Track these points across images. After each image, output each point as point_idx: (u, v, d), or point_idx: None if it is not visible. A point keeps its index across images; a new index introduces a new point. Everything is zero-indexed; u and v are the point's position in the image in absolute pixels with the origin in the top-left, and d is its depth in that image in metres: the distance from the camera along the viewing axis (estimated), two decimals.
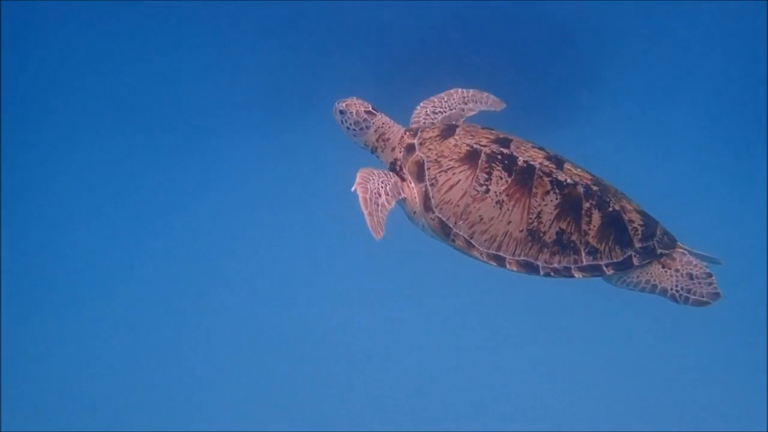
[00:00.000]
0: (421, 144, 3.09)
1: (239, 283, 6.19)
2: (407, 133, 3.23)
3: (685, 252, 3.06)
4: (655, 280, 2.99)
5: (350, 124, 3.22)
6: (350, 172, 3.67)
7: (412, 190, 3.05)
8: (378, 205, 2.90)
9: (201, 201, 6.79)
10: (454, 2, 6.21)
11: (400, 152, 3.16)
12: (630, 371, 5.29)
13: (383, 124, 3.23)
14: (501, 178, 2.90)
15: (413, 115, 3.43)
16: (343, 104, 3.25)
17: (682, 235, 3.21)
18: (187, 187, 6.90)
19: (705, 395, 5.06)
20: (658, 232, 3.03)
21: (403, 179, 3.09)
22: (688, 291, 2.95)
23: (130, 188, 6.92)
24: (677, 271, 2.99)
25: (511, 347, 5.50)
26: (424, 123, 3.38)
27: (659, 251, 2.99)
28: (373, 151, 3.27)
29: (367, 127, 3.20)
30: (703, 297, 2.94)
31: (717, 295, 2.95)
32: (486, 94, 3.55)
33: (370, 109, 3.26)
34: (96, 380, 5.62)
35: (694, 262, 3.01)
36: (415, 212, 3.07)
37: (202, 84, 7.48)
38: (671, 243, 3.06)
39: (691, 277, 2.97)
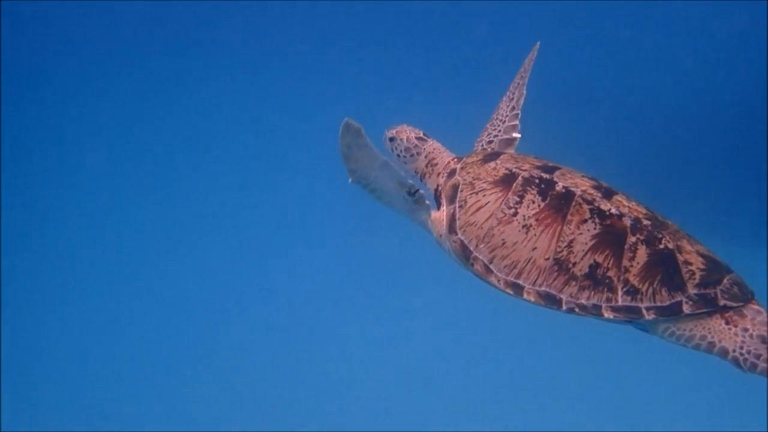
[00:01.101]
0: (462, 168, 2.91)
1: (244, 287, 6.20)
2: (454, 159, 3.07)
3: (762, 311, 2.46)
4: (713, 337, 2.44)
5: (401, 151, 3.08)
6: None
7: (442, 213, 2.87)
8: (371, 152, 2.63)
9: (202, 201, 6.80)
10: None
11: (443, 178, 3.00)
12: (630, 371, 5.29)
13: (434, 149, 3.10)
14: (533, 202, 2.63)
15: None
16: (393, 131, 3.13)
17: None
18: (188, 188, 6.91)
19: (705, 395, 5.05)
20: (725, 281, 2.48)
21: (440, 205, 2.91)
22: (758, 356, 2.37)
23: (133, 189, 6.93)
24: (745, 330, 2.43)
25: (515, 351, 5.51)
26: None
27: (722, 302, 2.44)
28: (422, 177, 3.11)
29: (418, 154, 3.07)
30: None
31: None
32: (523, 68, 3.28)
33: (422, 135, 3.14)
34: (96, 380, 5.62)
35: None
36: (441, 235, 2.88)
37: (203, 84, 7.50)
38: (743, 296, 2.47)
39: (763, 340, 2.39)
